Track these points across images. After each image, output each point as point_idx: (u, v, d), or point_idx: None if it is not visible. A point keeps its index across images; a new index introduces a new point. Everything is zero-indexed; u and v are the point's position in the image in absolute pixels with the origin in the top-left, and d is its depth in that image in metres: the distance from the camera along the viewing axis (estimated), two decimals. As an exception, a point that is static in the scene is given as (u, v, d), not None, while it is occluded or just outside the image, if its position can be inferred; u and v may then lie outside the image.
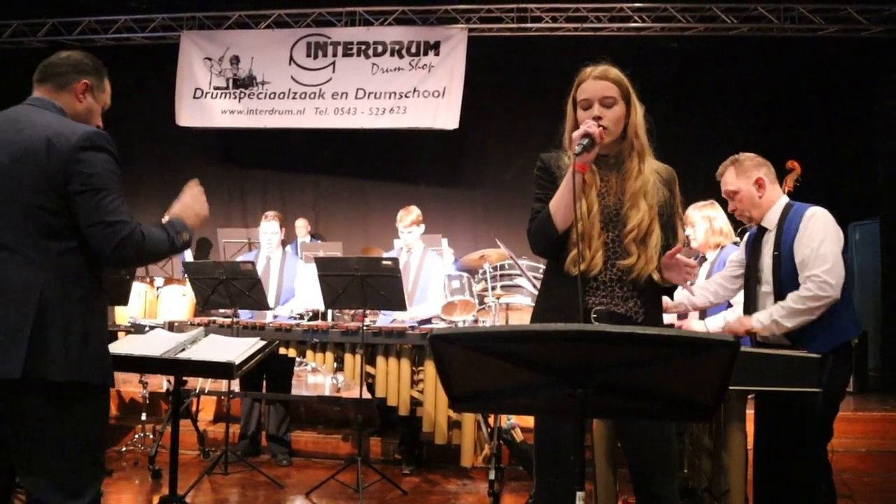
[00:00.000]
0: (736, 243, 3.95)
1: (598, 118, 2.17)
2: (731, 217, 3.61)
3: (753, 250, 3.13)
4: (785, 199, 3.10)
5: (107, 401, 2.17)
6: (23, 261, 1.94)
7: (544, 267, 5.79)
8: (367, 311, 4.43)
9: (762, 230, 3.09)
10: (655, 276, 2.20)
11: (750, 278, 3.14)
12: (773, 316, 2.86)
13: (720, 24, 8.02)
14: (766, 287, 3.02)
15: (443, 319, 5.07)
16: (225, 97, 8.77)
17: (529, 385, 1.47)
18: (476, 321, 5.55)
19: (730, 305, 3.65)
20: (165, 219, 2.29)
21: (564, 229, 2.18)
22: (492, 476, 4.09)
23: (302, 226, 8.51)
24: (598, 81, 2.22)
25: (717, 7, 7.94)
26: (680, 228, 2.32)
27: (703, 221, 4.04)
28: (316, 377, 6.90)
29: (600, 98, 2.20)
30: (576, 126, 2.24)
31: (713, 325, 3.76)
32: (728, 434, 2.89)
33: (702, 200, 4.15)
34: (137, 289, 6.52)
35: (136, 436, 5.10)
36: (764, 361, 2.71)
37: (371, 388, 4.50)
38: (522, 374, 1.43)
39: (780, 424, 2.92)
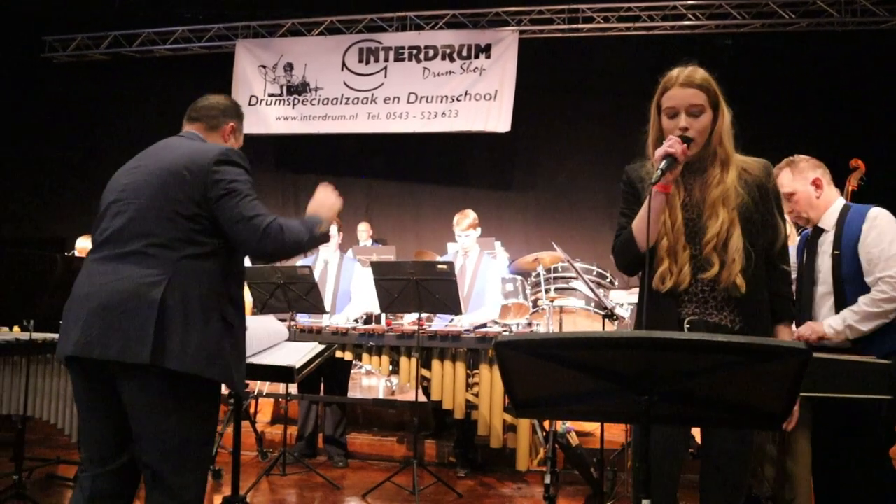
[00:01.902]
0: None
1: (684, 129, 2.09)
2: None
3: (808, 252, 3.06)
4: (842, 201, 3.05)
5: (215, 402, 2.30)
6: (152, 262, 2.14)
7: (597, 269, 5.76)
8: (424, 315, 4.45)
9: (818, 231, 3.03)
10: (739, 282, 2.08)
11: (804, 280, 3.07)
12: (846, 321, 2.79)
13: (777, 19, 7.85)
14: (824, 288, 2.96)
15: (496, 323, 5.07)
16: (279, 104, 8.94)
17: (594, 392, 1.46)
18: (530, 324, 5.53)
19: None
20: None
21: (647, 249, 2.09)
22: (547, 480, 4.07)
23: (364, 230, 8.58)
24: (684, 89, 2.11)
25: (774, 2, 7.77)
26: (781, 224, 2.21)
27: None
28: (370, 380, 6.96)
29: (687, 107, 2.11)
30: (660, 134, 2.17)
31: None
32: (793, 441, 2.82)
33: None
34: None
35: (197, 436, 5.21)
36: (831, 367, 2.63)
37: (426, 392, 4.52)
38: (587, 381, 1.43)
39: (843, 432, 2.84)
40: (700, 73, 2.14)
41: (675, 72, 2.16)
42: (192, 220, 2.19)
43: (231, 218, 2.20)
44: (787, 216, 3.30)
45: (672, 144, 2.02)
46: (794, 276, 3.19)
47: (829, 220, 3.00)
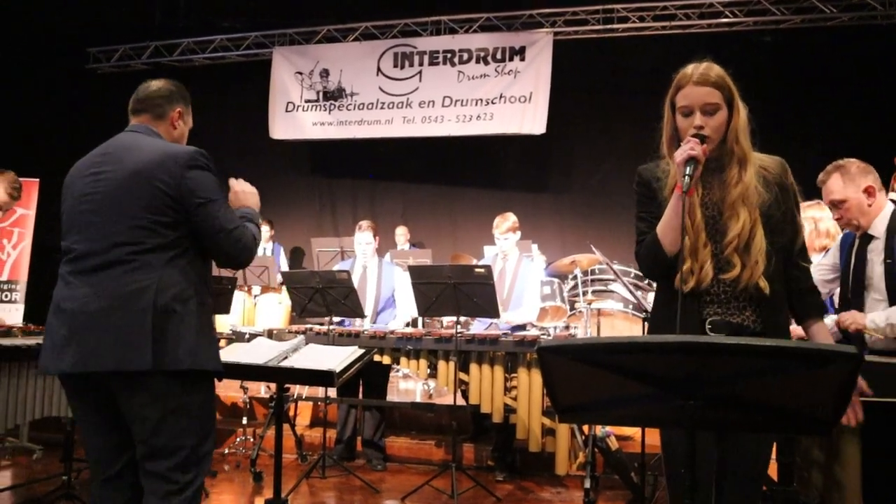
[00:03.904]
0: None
1: (699, 127, 2.07)
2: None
3: (858, 258, 2.99)
4: (892, 206, 2.98)
5: (212, 393, 2.37)
6: (137, 267, 2.16)
7: (635, 271, 5.70)
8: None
9: (867, 238, 2.96)
10: (762, 284, 2.06)
11: (855, 286, 2.99)
12: (889, 319, 2.72)
13: (818, 14, 7.69)
14: (878, 295, 2.90)
15: (534, 326, 5.05)
16: (316, 110, 9.02)
17: (639, 397, 1.44)
18: (567, 327, 5.50)
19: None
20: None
21: (674, 252, 2.08)
22: (587, 484, 4.04)
23: (402, 234, 8.62)
24: (699, 87, 2.08)
25: (814, -4, 7.62)
26: (800, 221, 2.19)
27: (807, 223, 3.86)
28: (407, 383, 6.99)
29: (701, 105, 2.08)
30: (675, 132, 2.16)
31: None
32: (841, 446, 2.75)
33: (803, 201, 3.96)
34: (237, 297, 6.76)
35: (238, 439, 5.29)
36: (882, 370, 2.57)
37: (465, 395, 4.52)
38: (632, 386, 1.41)
39: (894, 437, 2.76)
40: (715, 70, 2.11)
41: (689, 69, 2.12)
42: (170, 227, 2.21)
43: (211, 229, 2.25)
44: (833, 221, 3.24)
45: (692, 147, 1.99)
46: (832, 275, 3.14)
47: (879, 227, 2.92)
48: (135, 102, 2.46)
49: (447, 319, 5.46)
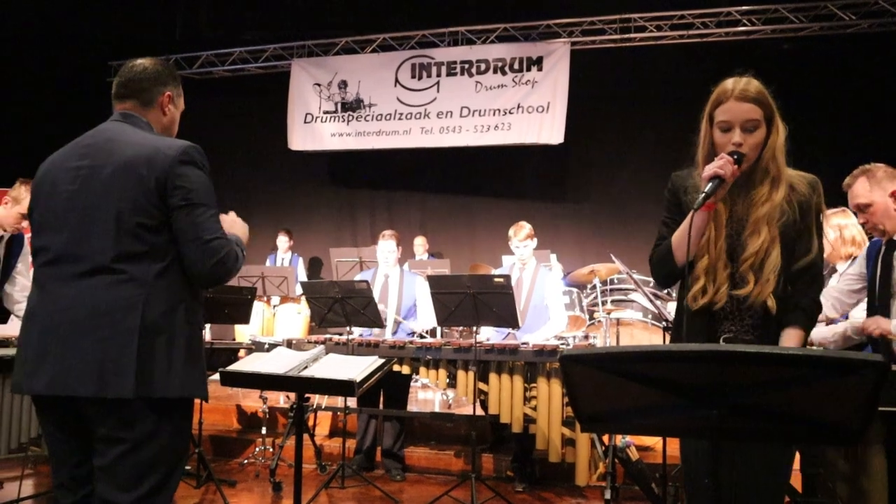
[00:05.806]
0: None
1: (738, 144, 2.02)
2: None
3: (884, 264, 2.97)
4: None
5: (190, 420, 2.18)
6: (124, 280, 1.95)
7: (654, 282, 5.67)
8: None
9: (893, 243, 2.93)
10: (770, 303, 2.03)
11: (882, 293, 2.97)
12: None
13: (837, 21, 7.65)
14: None
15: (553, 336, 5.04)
16: (334, 121, 9.09)
17: (662, 406, 1.43)
18: (586, 337, 5.48)
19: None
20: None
21: (684, 264, 2.06)
22: (608, 495, 4.01)
23: (420, 244, 8.65)
24: (740, 104, 2.02)
25: (833, 5, 7.57)
26: (815, 241, 2.12)
27: (833, 230, 3.84)
28: (426, 393, 6.98)
29: (742, 122, 2.03)
30: (711, 148, 2.10)
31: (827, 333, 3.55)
32: (867, 457, 2.72)
33: (826, 209, 3.93)
34: (256, 308, 6.81)
35: (257, 449, 5.31)
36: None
37: (484, 405, 4.51)
38: (655, 395, 1.41)
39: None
40: (755, 85, 2.05)
41: (729, 83, 2.07)
42: (156, 231, 1.98)
43: (187, 234, 1.99)
44: (859, 225, 3.21)
45: (723, 165, 1.95)
46: (859, 285, 3.11)
47: None
48: (118, 86, 2.20)
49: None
